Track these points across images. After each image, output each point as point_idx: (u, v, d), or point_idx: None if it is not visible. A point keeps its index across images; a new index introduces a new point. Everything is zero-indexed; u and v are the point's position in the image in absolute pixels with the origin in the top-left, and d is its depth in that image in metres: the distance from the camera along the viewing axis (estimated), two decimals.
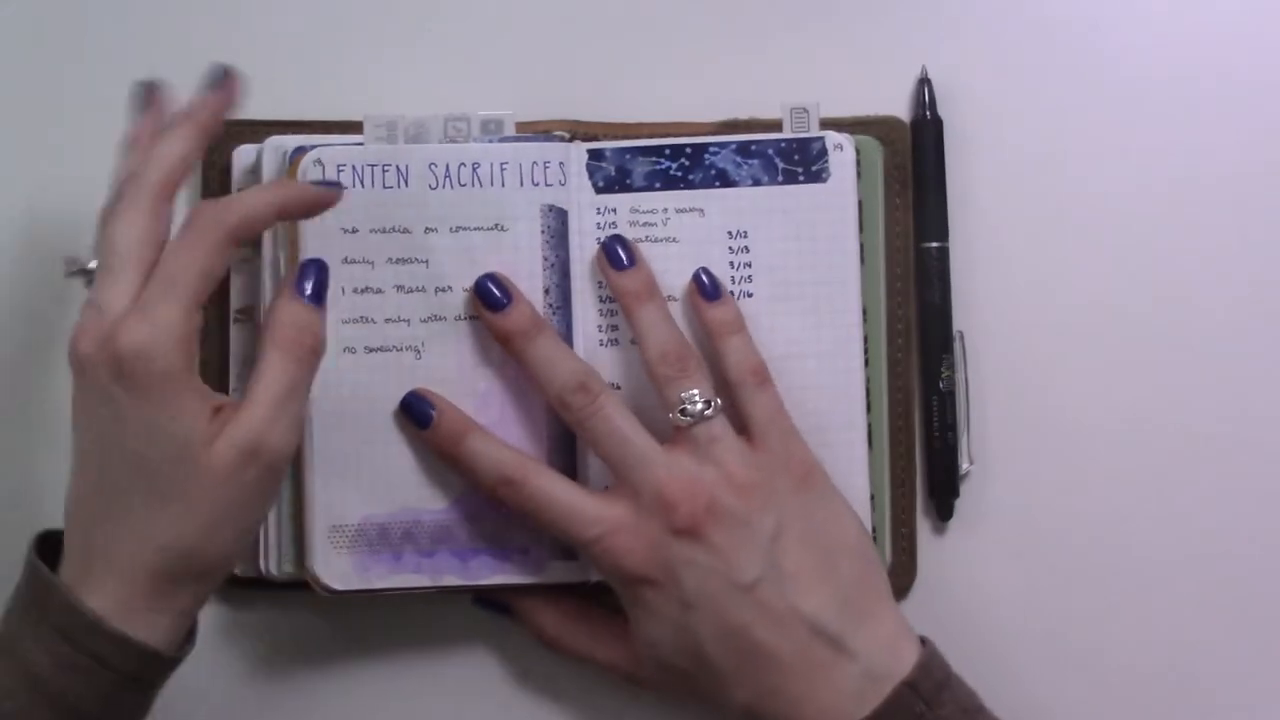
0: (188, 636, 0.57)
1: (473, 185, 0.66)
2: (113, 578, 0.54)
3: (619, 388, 0.66)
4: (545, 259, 0.66)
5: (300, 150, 0.65)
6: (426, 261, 0.65)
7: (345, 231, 0.64)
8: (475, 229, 0.66)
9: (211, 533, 0.55)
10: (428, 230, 0.65)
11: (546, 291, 0.66)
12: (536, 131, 0.67)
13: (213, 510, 0.54)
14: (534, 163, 0.66)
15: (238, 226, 0.56)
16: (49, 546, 0.57)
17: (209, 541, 0.55)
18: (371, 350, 0.65)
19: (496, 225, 0.66)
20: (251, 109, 0.67)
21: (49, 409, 0.67)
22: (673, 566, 0.60)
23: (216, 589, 0.58)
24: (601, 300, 0.66)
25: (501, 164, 0.66)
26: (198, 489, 0.54)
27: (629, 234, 0.66)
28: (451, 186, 0.66)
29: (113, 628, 0.54)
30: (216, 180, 0.67)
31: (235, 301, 0.66)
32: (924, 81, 0.69)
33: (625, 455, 0.61)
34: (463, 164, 0.66)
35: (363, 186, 0.65)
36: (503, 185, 0.66)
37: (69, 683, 0.54)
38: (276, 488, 0.57)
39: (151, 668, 0.55)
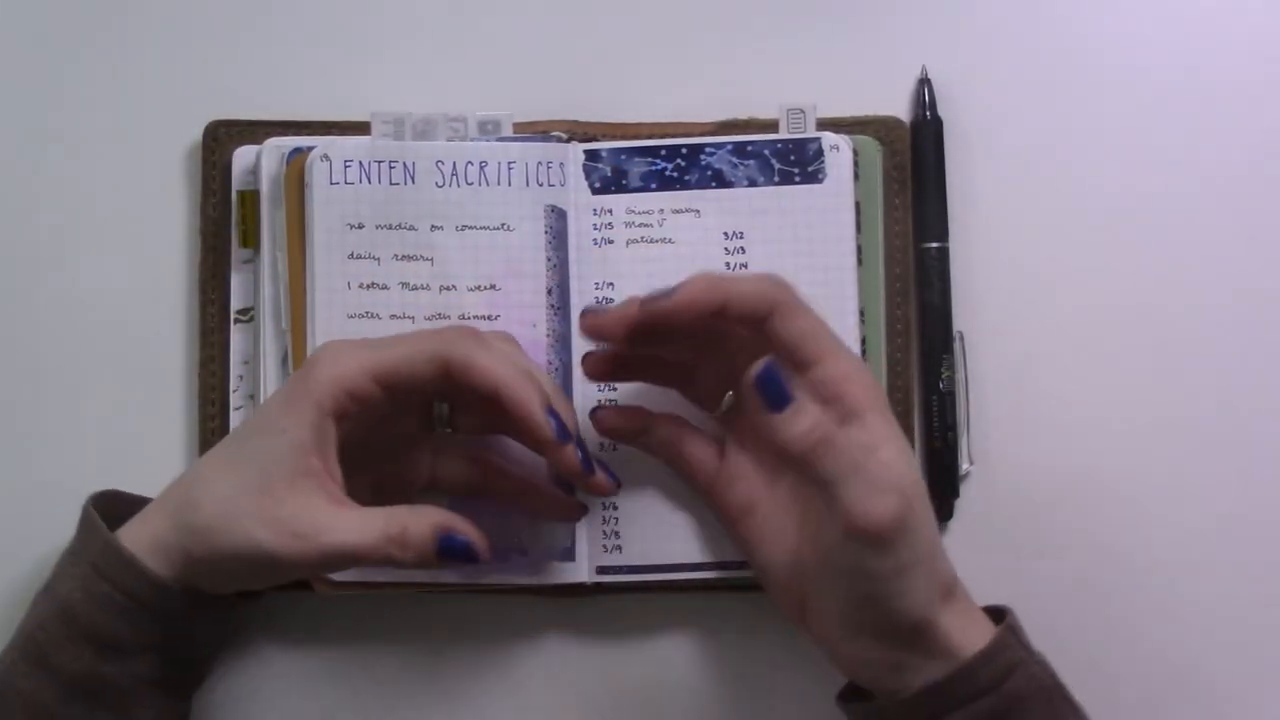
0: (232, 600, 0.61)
1: (480, 184, 0.66)
2: None
3: (615, 389, 0.66)
4: (549, 259, 0.66)
5: (299, 150, 0.65)
6: (431, 259, 0.65)
7: (351, 226, 0.65)
8: (482, 228, 0.66)
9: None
10: (434, 228, 0.66)
11: (549, 292, 0.66)
12: (534, 132, 0.67)
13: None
14: (539, 163, 0.66)
15: (451, 362, 0.57)
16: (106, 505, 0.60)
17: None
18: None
19: (503, 225, 0.66)
20: (251, 109, 0.68)
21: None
22: None
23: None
24: (599, 302, 0.66)
25: (509, 163, 0.66)
26: None
27: (625, 235, 0.66)
28: (458, 185, 0.66)
29: (128, 552, 0.57)
30: (217, 180, 0.67)
31: (235, 302, 0.67)
32: (924, 81, 0.69)
33: None
34: (470, 162, 0.66)
35: (369, 182, 0.65)
36: (509, 185, 0.66)
37: (93, 610, 0.57)
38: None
39: (165, 599, 0.58)
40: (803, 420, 0.56)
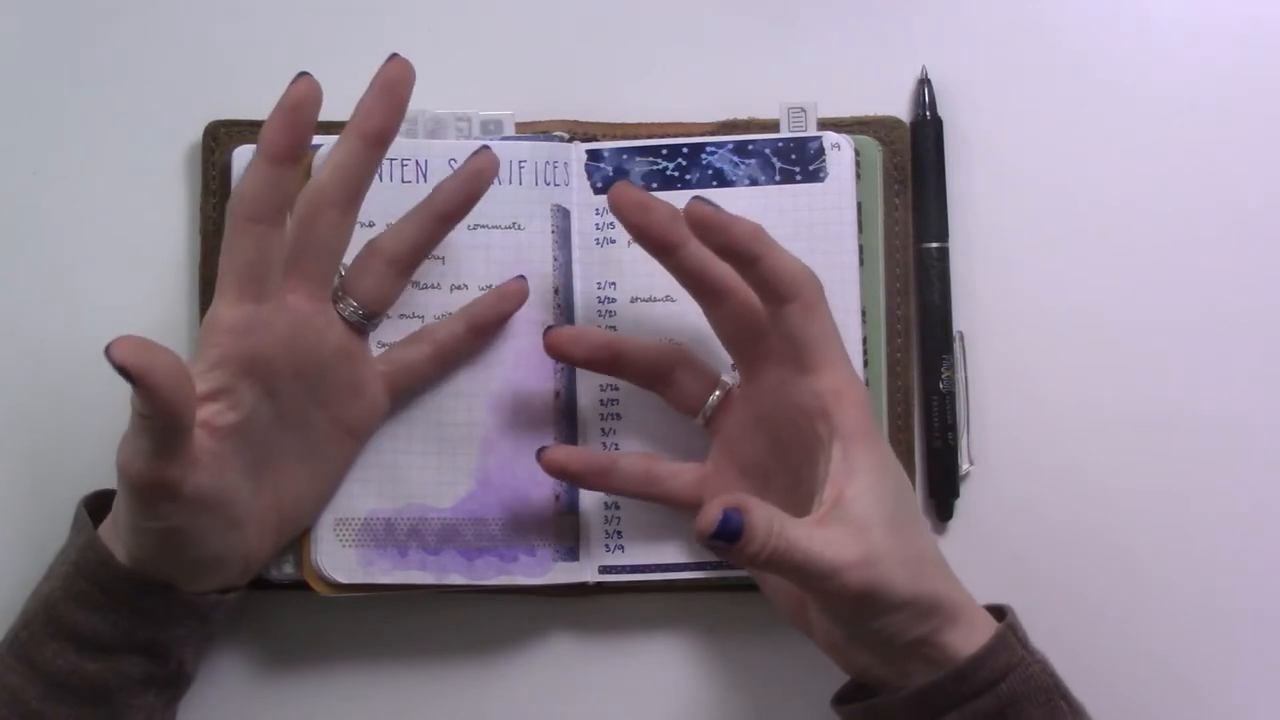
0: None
1: (493, 183, 0.65)
2: None
3: (616, 389, 0.66)
4: (555, 259, 0.66)
5: None
6: (443, 258, 0.65)
7: (362, 225, 0.64)
8: (494, 227, 0.66)
9: None
10: None
11: (556, 291, 0.66)
12: (535, 132, 0.67)
13: None
14: (546, 162, 0.66)
15: (246, 211, 0.57)
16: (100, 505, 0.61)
17: None
18: (384, 345, 0.65)
19: (514, 224, 0.66)
20: (251, 109, 0.68)
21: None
22: None
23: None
24: (600, 301, 0.66)
25: (519, 162, 0.66)
26: None
27: (626, 234, 0.65)
28: None
29: (105, 548, 0.58)
30: (217, 180, 0.67)
31: None
32: (924, 81, 0.69)
33: None
34: None
35: (380, 180, 0.63)
36: (520, 184, 0.66)
37: (73, 607, 0.58)
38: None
39: (140, 595, 0.58)
40: (757, 538, 0.52)
